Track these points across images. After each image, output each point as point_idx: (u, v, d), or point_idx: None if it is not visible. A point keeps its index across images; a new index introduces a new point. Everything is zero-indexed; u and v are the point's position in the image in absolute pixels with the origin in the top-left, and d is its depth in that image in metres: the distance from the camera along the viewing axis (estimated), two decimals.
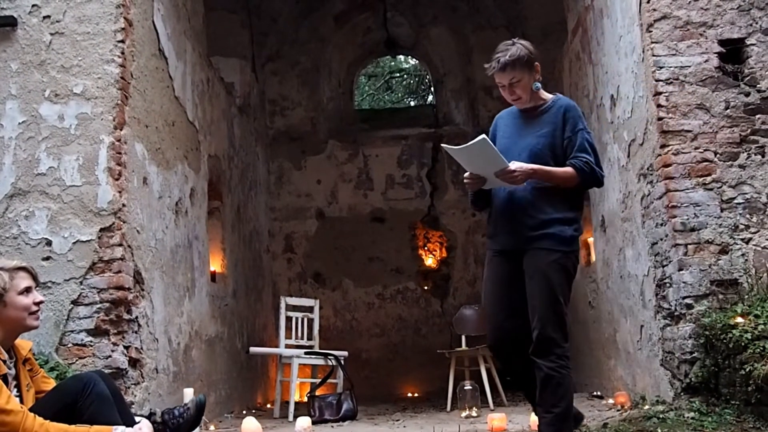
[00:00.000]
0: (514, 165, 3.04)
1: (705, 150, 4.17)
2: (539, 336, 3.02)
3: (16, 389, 2.55)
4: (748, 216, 4.09)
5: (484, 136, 3.06)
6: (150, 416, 2.73)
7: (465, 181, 3.22)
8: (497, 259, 3.25)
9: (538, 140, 3.17)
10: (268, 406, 7.25)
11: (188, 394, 4.36)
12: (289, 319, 6.54)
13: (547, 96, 3.31)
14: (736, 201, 4.11)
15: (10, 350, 2.60)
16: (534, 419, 3.92)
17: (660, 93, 4.24)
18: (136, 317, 4.29)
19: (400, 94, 15.71)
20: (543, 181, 3.10)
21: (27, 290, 2.61)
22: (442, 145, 3.19)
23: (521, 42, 3.24)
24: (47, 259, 4.14)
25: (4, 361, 2.52)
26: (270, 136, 9.66)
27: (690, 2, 4.29)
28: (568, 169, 3.11)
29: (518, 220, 3.15)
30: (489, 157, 3.04)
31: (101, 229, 4.17)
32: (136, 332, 4.27)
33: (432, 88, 11.35)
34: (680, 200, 4.15)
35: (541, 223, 3.11)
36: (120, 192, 4.24)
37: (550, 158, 3.14)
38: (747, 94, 4.18)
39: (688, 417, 3.75)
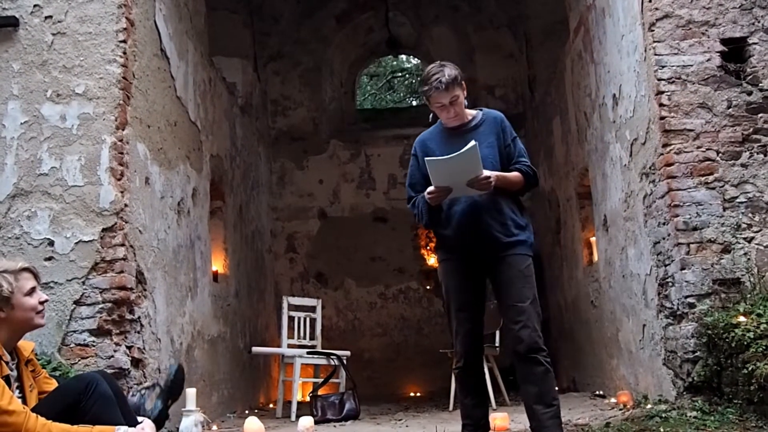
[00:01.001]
0: (486, 172, 3.14)
1: (707, 149, 4.17)
2: (531, 335, 3.14)
3: (18, 390, 2.56)
4: (750, 215, 4.09)
5: (474, 142, 3.11)
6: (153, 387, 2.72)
7: (429, 196, 3.18)
8: (461, 266, 3.29)
9: (490, 150, 3.27)
10: (271, 405, 7.25)
11: (190, 394, 4.36)
12: (291, 318, 6.55)
13: (472, 111, 3.41)
14: (738, 200, 4.11)
15: (13, 351, 2.61)
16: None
17: (662, 92, 4.24)
18: (139, 317, 4.29)
19: (402, 94, 15.71)
20: (502, 186, 3.22)
21: (32, 291, 2.62)
22: (427, 158, 3.14)
23: (448, 63, 3.33)
24: (49, 259, 4.14)
25: (7, 363, 2.53)
26: (272, 136, 9.66)
27: (692, 1, 4.28)
28: (517, 174, 3.28)
29: (488, 228, 3.22)
30: (471, 164, 3.09)
31: (103, 229, 4.17)
32: (138, 332, 4.27)
33: None
34: (682, 199, 4.15)
35: (512, 230, 3.25)
36: (122, 192, 4.24)
37: (499, 165, 3.28)
38: (749, 93, 4.18)
39: (690, 416, 3.75)
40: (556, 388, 3.27)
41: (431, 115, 3.42)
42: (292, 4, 9.48)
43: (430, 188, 3.17)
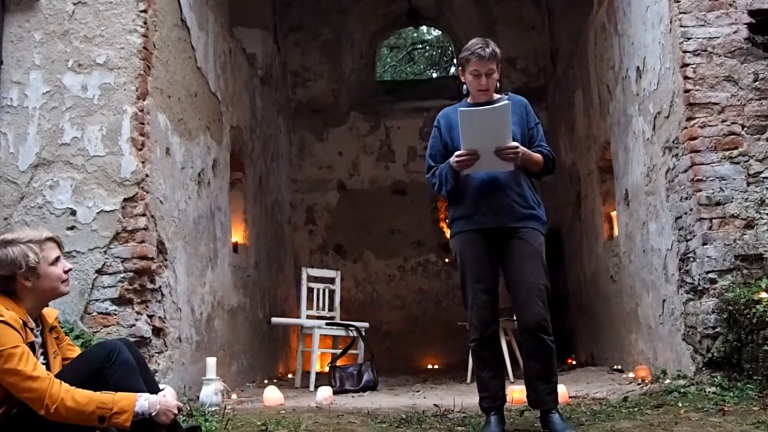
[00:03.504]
0: (514, 143, 3.16)
1: (732, 123, 4.10)
2: (540, 312, 3.17)
3: (43, 357, 2.60)
4: None
5: (508, 102, 3.13)
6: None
7: (457, 159, 3.15)
8: (478, 238, 3.26)
9: (516, 128, 3.27)
10: (290, 376, 7.34)
11: (211, 363, 4.43)
12: (310, 290, 6.59)
13: (497, 95, 3.41)
14: (763, 175, 4.05)
15: (37, 319, 2.65)
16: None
17: (687, 65, 4.17)
18: (160, 287, 4.34)
19: (422, 66, 15.58)
20: (525, 163, 3.26)
21: (57, 260, 2.65)
22: (460, 109, 3.15)
23: (492, 42, 3.37)
24: (72, 228, 4.19)
25: (32, 330, 2.57)
26: (292, 108, 9.65)
27: None
28: (539, 156, 3.30)
29: (505, 200, 3.24)
30: (501, 125, 3.10)
31: (125, 199, 4.21)
32: (159, 302, 4.32)
33: (454, 60, 11.23)
34: (706, 174, 4.09)
35: (529, 204, 3.28)
36: (143, 162, 4.27)
37: (521, 145, 3.26)
38: None
39: (709, 392, 3.74)
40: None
41: (465, 87, 3.38)
42: None
43: (459, 152, 3.15)
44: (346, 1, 9.84)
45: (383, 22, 10.47)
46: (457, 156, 3.17)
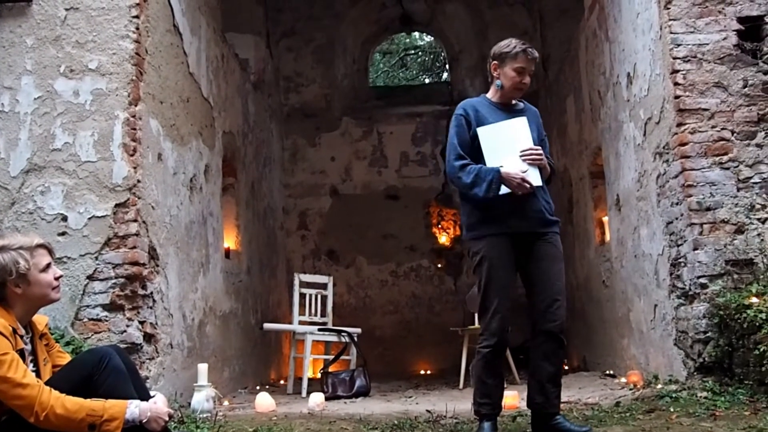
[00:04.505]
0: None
1: (722, 129, 4.13)
2: (564, 315, 3.24)
3: (32, 364, 2.58)
4: (764, 195, 4.05)
5: (525, 119, 3.27)
6: None
7: (519, 184, 3.14)
8: (507, 243, 3.23)
9: (533, 136, 3.31)
10: (282, 382, 7.32)
11: (202, 370, 4.42)
12: (302, 295, 6.58)
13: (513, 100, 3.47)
14: (752, 180, 4.07)
15: (27, 326, 2.63)
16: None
17: (677, 71, 4.19)
18: (151, 293, 4.33)
19: (414, 72, 15.60)
20: (543, 169, 3.29)
21: (47, 266, 2.64)
22: (479, 128, 3.22)
23: None
24: (63, 234, 4.18)
25: (21, 337, 2.56)
26: (284, 113, 9.65)
27: None
28: (548, 167, 3.34)
29: (537, 205, 3.26)
30: (523, 139, 3.22)
31: (116, 205, 4.20)
32: (150, 308, 4.31)
33: (447, 66, 11.26)
34: (696, 179, 4.12)
35: (553, 210, 3.34)
36: (135, 168, 4.26)
37: None
38: (765, 73, 4.12)
39: (700, 396, 3.75)
40: None
41: (498, 83, 3.36)
42: None
43: (521, 174, 3.15)
44: (338, 6, 9.86)
45: (376, 27, 10.50)
46: (518, 179, 3.14)
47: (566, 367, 7.30)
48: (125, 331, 4.08)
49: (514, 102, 3.42)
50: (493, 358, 3.25)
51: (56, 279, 2.66)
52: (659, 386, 4.24)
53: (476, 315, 6.55)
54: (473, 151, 3.27)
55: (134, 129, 4.29)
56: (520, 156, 3.19)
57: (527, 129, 3.25)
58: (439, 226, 9.54)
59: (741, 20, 4.18)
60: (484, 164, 3.21)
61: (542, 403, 3.22)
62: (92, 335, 4.04)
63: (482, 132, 3.23)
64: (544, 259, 3.25)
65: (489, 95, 3.44)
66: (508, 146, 3.20)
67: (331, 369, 5.90)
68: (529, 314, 3.28)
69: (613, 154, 5.70)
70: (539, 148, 3.25)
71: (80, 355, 2.77)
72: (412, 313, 9.34)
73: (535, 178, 3.18)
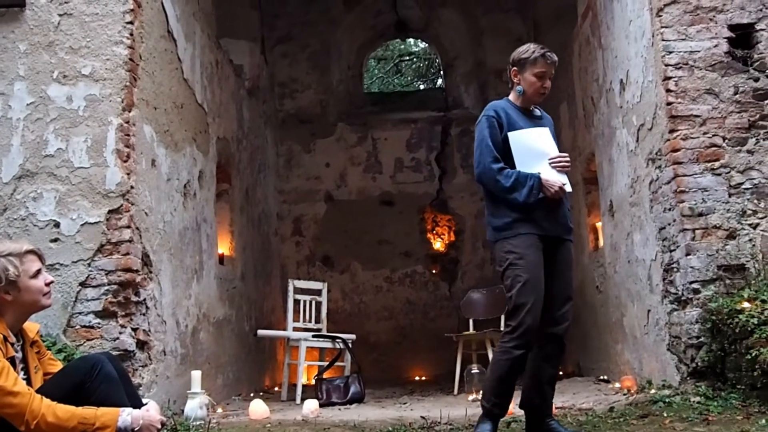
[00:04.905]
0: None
1: (714, 135, 4.15)
2: (569, 320, 3.30)
3: (23, 371, 2.58)
4: (755, 201, 4.08)
5: (546, 127, 3.40)
6: None
7: (556, 191, 3.23)
8: (539, 243, 3.25)
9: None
10: (276, 389, 7.30)
11: (195, 377, 4.40)
12: (297, 302, 6.57)
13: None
14: (744, 186, 4.09)
15: (18, 333, 2.63)
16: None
17: (669, 78, 4.22)
18: (144, 299, 4.32)
19: (409, 78, 15.64)
20: None
21: (38, 273, 2.63)
22: (510, 133, 3.29)
23: None
24: (55, 240, 4.16)
25: (12, 344, 2.55)
26: (279, 119, 9.65)
27: None
28: None
29: (563, 210, 3.35)
30: (547, 143, 3.34)
31: (109, 211, 4.19)
32: (143, 314, 4.30)
33: (442, 72, 11.29)
34: (688, 185, 4.14)
35: (570, 218, 3.43)
36: (128, 174, 4.25)
37: None
38: (756, 80, 4.16)
39: (694, 401, 3.76)
40: None
41: (519, 88, 3.41)
42: None
43: (560, 182, 3.24)
44: (334, 12, 9.88)
45: (371, 33, 10.52)
46: (556, 187, 3.23)
47: (561, 372, 7.30)
48: (118, 338, 4.06)
49: (532, 107, 3.46)
50: (522, 358, 3.19)
51: (47, 285, 2.66)
52: (653, 391, 4.25)
53: (471, 321, 6.56)
54: (503, 153, 3.30)
55: (128, 135, 4.29)
56: (550, 163, 3.29)
57: (551, 137, 3.38)
58: (434, 231, 9.55)
59: (732, 28, 4.22)
60: (514, 167, 3.27)
61: (540, 404, 3.26)
62: (85, 342, 4.03)
63: (514, 136, 3.29)
64: (562, 264, 3.32)
65: (512, 99, 3.46)
66: (537, 152, 3.30)
67: (325, 375, 5.89)
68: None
69: (607, 160, 5.72)
70: (567, 155, 3.37)
71: (72, 362, 2.77)
72: (407, 319, 9.34)
73: (567, 186, 3.29)
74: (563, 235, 3.34)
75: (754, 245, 4.03)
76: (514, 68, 3.41)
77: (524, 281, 3.17)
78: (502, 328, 6.26)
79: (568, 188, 3.29)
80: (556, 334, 3.26)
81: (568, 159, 3.36)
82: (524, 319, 3.14)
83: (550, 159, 3.30)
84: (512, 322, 3.18)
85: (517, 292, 3.17)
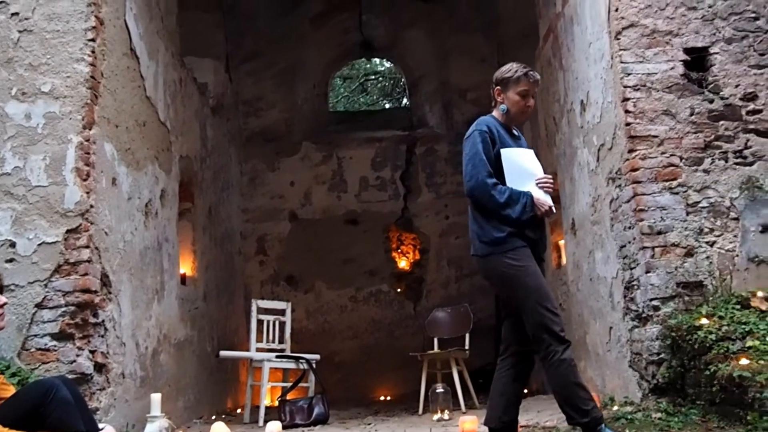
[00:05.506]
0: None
1: (671, 155, 4.25)
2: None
3: None
4: (712, 219, 4.17)
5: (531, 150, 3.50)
6: None
7: (547, 210, 3.31)
8: (532, 255, 3.31)
9: None
10: (239, 411, 7.19)
11: (155, 400, 4.31)
12: (260, 322, 6.50)
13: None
14: (701, 205, 4.19)
15: None
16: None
17: (628, 99, 4.31)
18: (103, 321, 4.23)
19: (375, 97, 15.72)
20: None
21: None
22: (503, 150, 3.34)
23: None
24: (11, 261, 4.07)
25: None
26: (244, 137, 9.61)
27: (656, 11, 4.36)
28: None
29: (542, 227, 3.44)
30: (535, 164, 3.42)
31: (68, 231, 4.11)
32: (102, 336, 4.21)
33: (407, 91, 11.37)
34: (647, 204, 4.21)
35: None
36: (88, 193, 4.18)
37: None
38: (711, 101, 4.27)
39: (655, 417, 3.80)
40: None
41: (503, 107, 3.47)
42: (266, 4, 9.44)
43: (549, 202, 3.33)
44: (300, 31, 9.90)
45: (336, 52, 10.55)
46: (546, 207, 3.30)
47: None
48: (75, 360, 3.97)
49: (513, 128, 3.53)
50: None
51: (0, 307, 2.59)
52: (615, 408, 4.28)
53: (435, 339, 6.56)
54: (494, 169, 3.34)
55: (88, 153, 4.22)
56: (536, 183, 3.36)
57: (536, 158, 3.47)
58: (399, 250, 9.56)
59: (687, 51, 4.34)
60: (504, 184, 3.31)
61: (508, 422, 3.30)
62: (40, 365, 3.92)
63: (507, 153, 3.35)
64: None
65: (497, 116, 3.50)
66: (527, 172, 3.38)
67: (289, 397, 5.82)
68: (512, 332, 3.34)
69: (569, 179, 5.80)
70: (551, 177, 3.45)
71: (26, 386, 2.70)
72: (372, 338, 9.30)
73: (553, 207, 3.38)
74: (542, 250, 3.42)
75: (711, 262, 4.12)
76: (498, 87, 3.47)
77: (539, 287, 3.22)
78: (466, 347, 6.27)
79: (554, 209, 3.37)
80: (528, 351, 3.30)
81: (552, 181, 3.43)
82: (559, 320, 3.21)
83: (537, 179, 3.36)
84: (553, 328, 3.14)
85: (539, 299, 3.19)
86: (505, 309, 3.42)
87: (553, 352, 3.12)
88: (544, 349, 3.15)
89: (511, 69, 3.44)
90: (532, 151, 3.50)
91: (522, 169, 3.37)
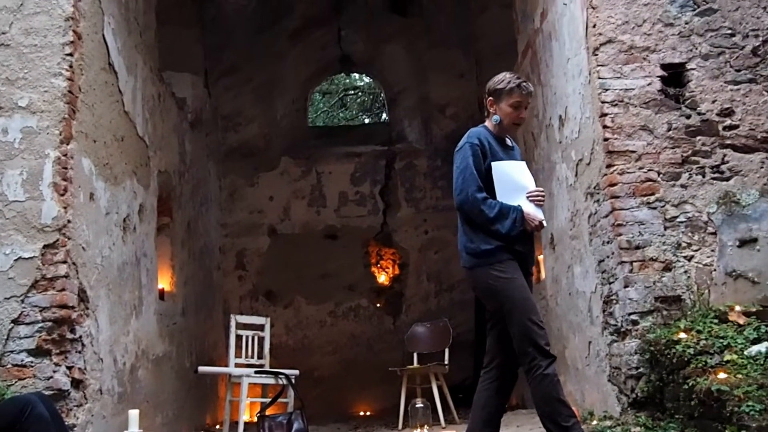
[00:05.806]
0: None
1: (649, 170, 4.30)
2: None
3: None
4: (690, 234, 4.22)
5: (524, 162, 3.49)
6: None
7: (537, 225, 3.32)
8: (518, 265, 3.32)
9: None
10: (217, 426, 7.13)
11: (133, 416, 4.26)
12: (239, 337, 6.46)
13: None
14: (678, 219, 4.23)
15: None
16: None
17: (606, 114, 4.36)
18: (80, 336, 4.18)
19: (354, 112, 15.75)
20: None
21: None
22: (494, 163, 3.34)
23: None
24: None
25: None
26: (222, 152, 9.57)
27: (634, 27, 4.43)
28: None
29: (531, 240, 3.43)
30: (526, 177, 3.41)
31: (45, 246, 4.06)
32: (79, 352, 4.15)
33: (386, 106, 11.42)
34: (625, 218, 4.25)
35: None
36: (65, 208, 4.14)
37: None
38: (688, 117, 4.33)
39: (634, 431, 3.82)
40: None
41: (495, 117, 3.47)
42: (245, 19, 9.44)
43: (540, 216, 3.33)
44: (279, 46, 9.91)
45: (316, 68, 10.57)
46: (536, 222, 3.31)
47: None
48: (52, 377, 3.90)
49: (505, 137, 3.53)
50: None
51: None
52: (594, 422, 4.30)
53: (415, 354, 6.55)
54: (485, 182, 3.34)
55: (65, 168, 4.18)
56: (527, 196, 3.35)
57: (528, 171, 3.46)
58: (378, 265, 9.55)
59: (664, 67, 4.40)
60: (494, 198, 3.31)
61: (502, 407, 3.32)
62: (16, 382, 3.85)
63: (497, 167, 3.34)
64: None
65: (489, 127, 3.50)
66: (518, 185, 3.37)
67: (268, 412, 5.76)
68: (497, 343, 3.34)
69: (548, 194, 5.82)
70: (543, 190, 3.44)
71: (2, 403, 2.66)
72: (352, 353, 9.27)
73: (544, 221, 3.39)
74: (530, 267, 3.43)
75: (689, 277, 4.16)
76: (490, 98, 3.48)
77: (525, 300, 3.23)
78: (446, 362, 6.27)
79: (545, 223, 3.38)
80: (513, 365, 3.30)
81: (544, 194, 3.43)
82: (544, 334, 3.21)
83: (528, 193, 3.36)
84: (537, 341, 3.14)
85: (524, 312, 3.19)
86: (492, 320, 3.41)
87: (537, 366, 3.13)
88: (528, 362, 3.16)
89: (504, 80, 3.44)
90: (524, 163, 3.49)
91: (513, 182, 3.37)
